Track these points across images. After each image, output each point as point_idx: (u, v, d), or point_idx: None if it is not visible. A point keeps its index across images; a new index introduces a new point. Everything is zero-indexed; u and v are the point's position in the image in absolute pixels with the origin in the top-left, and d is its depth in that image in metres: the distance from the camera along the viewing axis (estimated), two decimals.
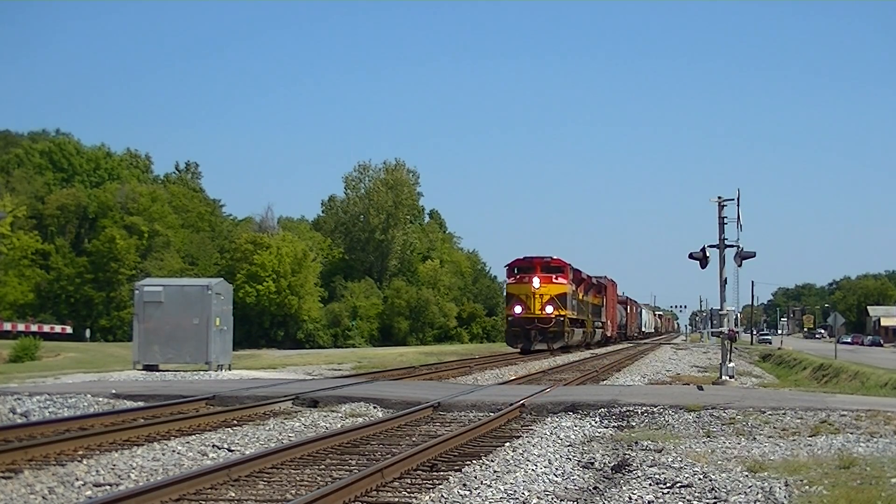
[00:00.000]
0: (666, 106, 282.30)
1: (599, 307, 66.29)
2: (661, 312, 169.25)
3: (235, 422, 15.43)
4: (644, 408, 16.89)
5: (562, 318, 48.36)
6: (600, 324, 66.73)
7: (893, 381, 30.70)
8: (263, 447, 12.67)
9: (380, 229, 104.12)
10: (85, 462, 11.26)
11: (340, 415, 16.57)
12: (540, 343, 47.81)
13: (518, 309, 48.18)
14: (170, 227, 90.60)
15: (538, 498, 9.58)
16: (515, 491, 9.80)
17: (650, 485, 10.19)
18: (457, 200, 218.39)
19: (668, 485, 10.13)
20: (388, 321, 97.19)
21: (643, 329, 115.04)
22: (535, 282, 48.18)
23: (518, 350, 48.43)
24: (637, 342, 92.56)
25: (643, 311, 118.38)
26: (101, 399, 17.90)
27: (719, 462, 11.64)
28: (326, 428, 14.85)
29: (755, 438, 13.99)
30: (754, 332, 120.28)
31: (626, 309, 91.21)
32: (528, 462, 11.64)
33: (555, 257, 50.33)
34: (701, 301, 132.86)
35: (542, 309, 47.98)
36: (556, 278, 48.96)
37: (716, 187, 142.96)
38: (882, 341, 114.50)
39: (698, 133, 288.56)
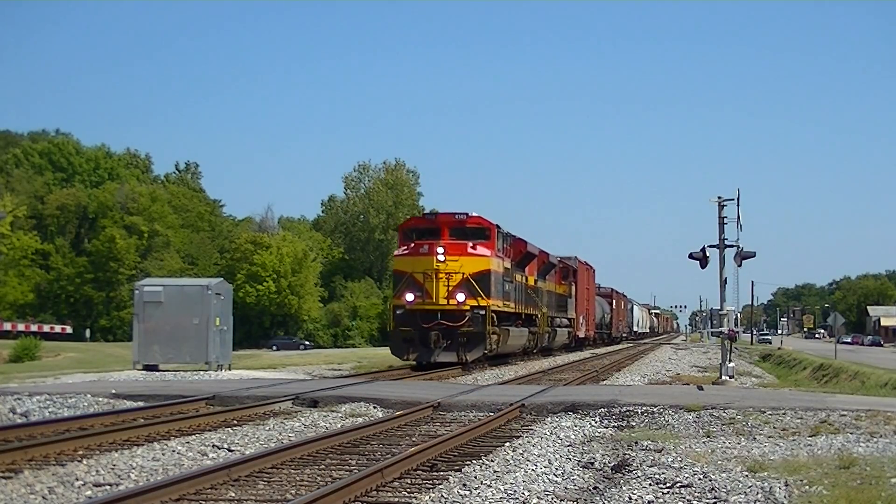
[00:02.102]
0: (666, 106, 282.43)
1: (564, 298, 49.39)
2: (657, 311, 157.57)
3: (235, 422, 15.43)
4: (644, 408, 16.88)
5: (481, 312, 31.03)
6: (566, 321, 49.92)
7: (893, 381, 30.72)
8: (263, 447, 12.66)
9: (380, 229, 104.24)
10: (85, 462, 11.26)
11: (340, 415, 16.57)
12: (446, 352, 30.78)
13: (410, 296, 30.90)
14: (170, 227, 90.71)
15: (538, 498, 9.59)
16: (515, 491, 9.80)
17: (650, 485, 10.19)
18: (457, 200, 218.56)
19: (668, 485, 10.14)
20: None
21: (635, 329, 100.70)
22: (440, 252, 30.78)
23: (411, 363, 31.81)
24: (636, 342, 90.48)
25: (635, 307, 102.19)
26: (101, 399, 17.89)
27: (719, 462, 11.64)
28: (326, 428, 14.85)
29: (755, 438, 13.99)
30: (754, 332, 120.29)
31: (610, 303, 74.66)
32: (528, 462, 11.64)
33: (473, 214, 33.01)
34: (701, 301, 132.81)
35: (450, 296, 30.80)
36: (475, 248, 31.76)
37: (716, 187, 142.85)
38: (882, 341, 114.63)
39: (698, 133, 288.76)
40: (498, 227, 33.26)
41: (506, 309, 34.29)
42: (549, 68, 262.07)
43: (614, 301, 77.58)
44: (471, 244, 31.88)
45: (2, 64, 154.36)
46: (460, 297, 30.85)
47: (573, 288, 52.05)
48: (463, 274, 31.00)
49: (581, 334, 55.65)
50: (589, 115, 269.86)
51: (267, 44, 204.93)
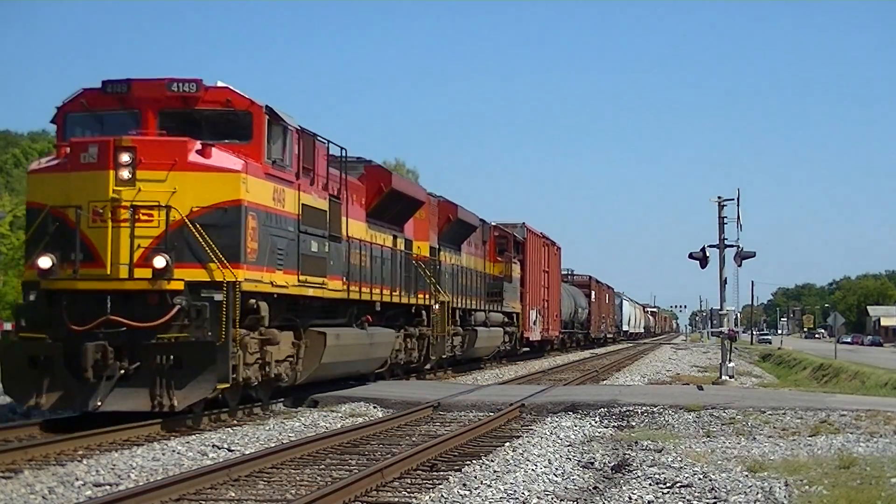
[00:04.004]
0: (666, 106, 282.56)
1: (500, 282, 34.44)
2: (654, 309, 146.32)
3: (235, 422, 15.44)
4: (644, 408, 16.90)
5: (213, 296, 13.93)
6: (500, 316, 34.69)
7: (893, 381, 30.74)
8: (263, 447, 12.66)
9: None
10: (85, 462, 11.25)
11: (340, 415, 16.57)
12: (126, 389, 13.58)
13: (46, 262, 13.83)
14: None
15: (538, 498, 9.59)
16: (515, 491, 9.80)
17: (650, 485, 10.19)
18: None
19: (668, 485, 10.14)
20: None
21: (625, 328, 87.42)
22: (124, 162, 13.81)
23: (39, 407, 13.92)
24: (634, 342, 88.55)
25: (624, 302, 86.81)
26: None
27: (719, 462, 11.64)
28: (326, 428, 14.85)
29: (755, 438, 14.00)
30: (754, 332, 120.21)
31: (588, 296, 58.96)
32: (527, 462, 11.64)
33: (218, 85, 15.23)
34: (701, 301, 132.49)
35: (141, 261, 13.85)
36: (208, 153, 14.29)
37: (716, 187, 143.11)
38: (882, 341, 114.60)
39: (698, 133, 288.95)
40: (273, 112, 15.73)
41: (312, 292, 17.05)
42: (550, 68, 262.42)
43: (594, 293, 61.00)
44: (199, 146, 14.47)
45: (2, 64, 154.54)
46: (160, 262, 13.90)
47: (517, 268, 37.31)
48: (171, 210, 14.03)
49: (534, 336, 40.65)
50: (589, 114, 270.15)
51: (266, 43, 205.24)
